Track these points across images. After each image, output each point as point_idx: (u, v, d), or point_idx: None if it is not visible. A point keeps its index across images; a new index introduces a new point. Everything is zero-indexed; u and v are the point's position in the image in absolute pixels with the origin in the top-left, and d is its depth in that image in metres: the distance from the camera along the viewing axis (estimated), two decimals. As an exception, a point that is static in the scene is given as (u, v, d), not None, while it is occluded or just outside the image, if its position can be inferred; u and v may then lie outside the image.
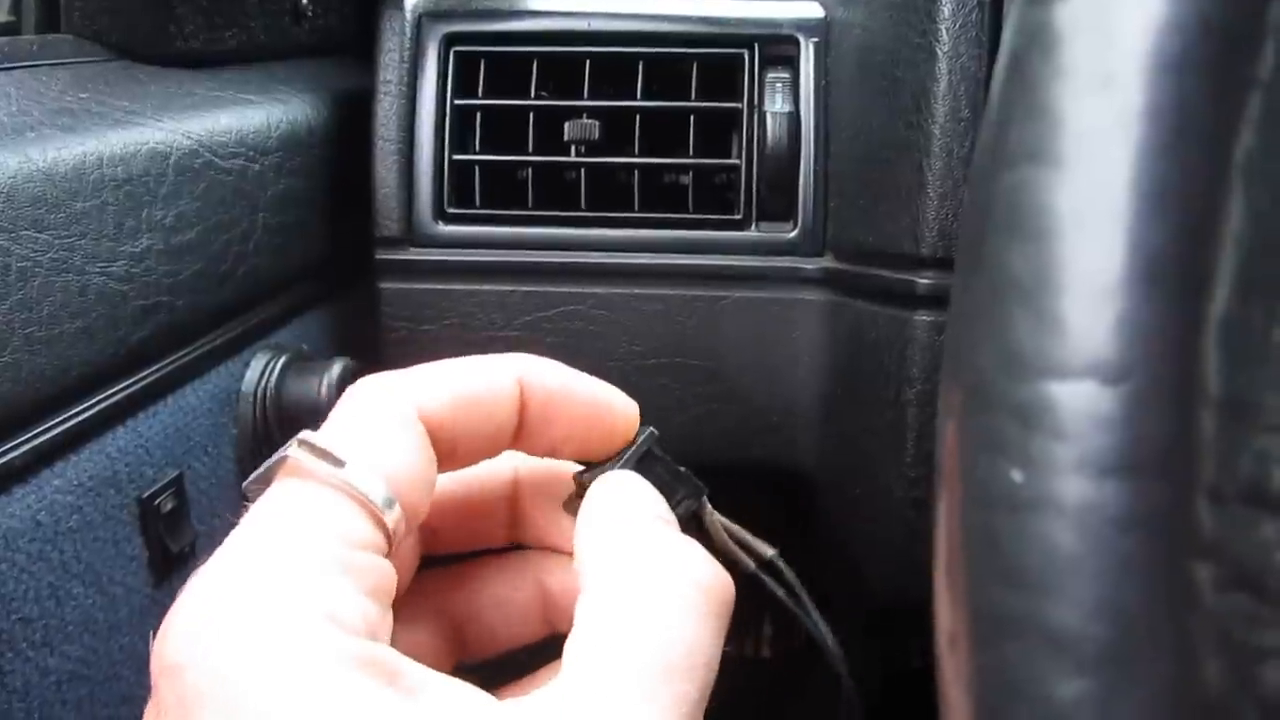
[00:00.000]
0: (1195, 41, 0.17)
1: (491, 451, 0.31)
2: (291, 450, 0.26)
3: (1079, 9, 0.18)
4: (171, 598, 0.35)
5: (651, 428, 0.31)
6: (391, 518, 0.26)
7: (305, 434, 0.26)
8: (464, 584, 0.32)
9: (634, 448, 0.30)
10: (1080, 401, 0.16)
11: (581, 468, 0.31)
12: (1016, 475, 0.16)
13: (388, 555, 0.26)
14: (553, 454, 0.31)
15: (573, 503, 0.30)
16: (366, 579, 0.25)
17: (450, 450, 0.29)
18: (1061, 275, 0.17)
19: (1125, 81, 0.17)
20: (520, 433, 0.30)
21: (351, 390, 0.28)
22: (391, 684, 0.23)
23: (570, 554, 0.29)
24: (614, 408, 0.31)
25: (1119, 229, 0.17)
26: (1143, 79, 0.17)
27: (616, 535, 0.27)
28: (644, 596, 0.25)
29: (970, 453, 0.17)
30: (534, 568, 0.33)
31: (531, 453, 0.31)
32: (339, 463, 0.26)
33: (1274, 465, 0.17)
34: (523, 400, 0.30)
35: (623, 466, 0.30)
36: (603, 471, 0.30)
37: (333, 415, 0.28)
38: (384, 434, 0.27)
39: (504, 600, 0.32)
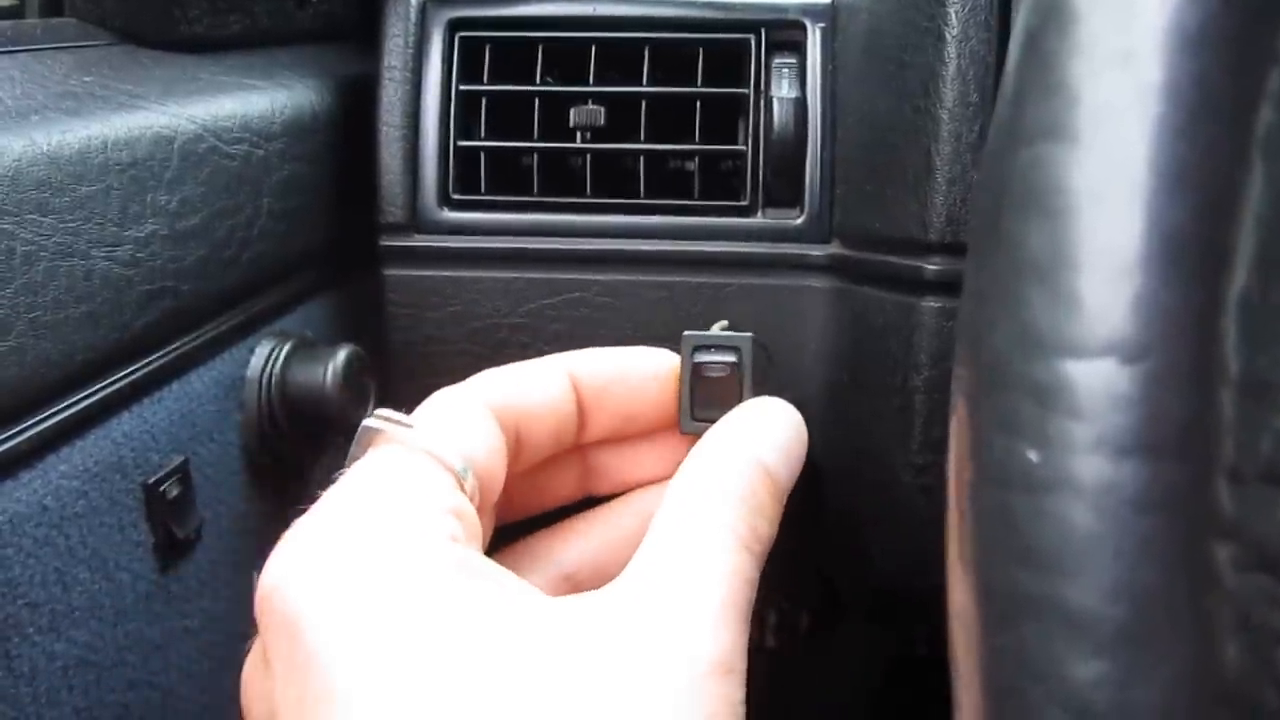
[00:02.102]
0: (1214, 16, 0.17)
1: (557, 446, 0.35)
2: (367, 420, 0.30)
3: (1096, -16, 0.18)
4: (178, 583, 0.37)
5: (748, 337, 0.35)
6: (469, 485, 0.29)
7: (380, 410, 0.30)
8: (572, 537, 0.35)
9: (747, 370, 0.34)
10: (1098, 381, 0.16)
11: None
12: (1033, 455, 0.16)
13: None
14: (614, 435, 0.36)
15: (690, 423, 0.34)
16: (452, 510, 0.28)
17: (516, 447, 0.33)
18: (1079, 253, 0.17)
19: (1144, 57, 0.17)
20: (584, 425, 0.34)
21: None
22: (482, 577, 0.26)
23: (649, 484, 0.35)
24: (652, 375, 0.35)
25: (1137, 207, 0.16)
26: (1161, 54, 0.17)
27: (708, 475, 0.30)
28: (709, 536, 0.28)
29: (986, 432, 0.17)
30: (635, 504, 0.36)
31: (597, 438, 0.36)
32: (407, 425, 0.29)
33: (1293, 445, 0.16)
34: (578, 395, 0.34)
35: (743, 397, 0.34)
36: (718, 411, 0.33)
37: (415, 413, 0.31)
38: (458, 417, 0.31)
39: (614, 540, 0.34)
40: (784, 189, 0.55)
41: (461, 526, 0.28)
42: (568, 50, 0.56)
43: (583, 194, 0.55)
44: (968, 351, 0.18)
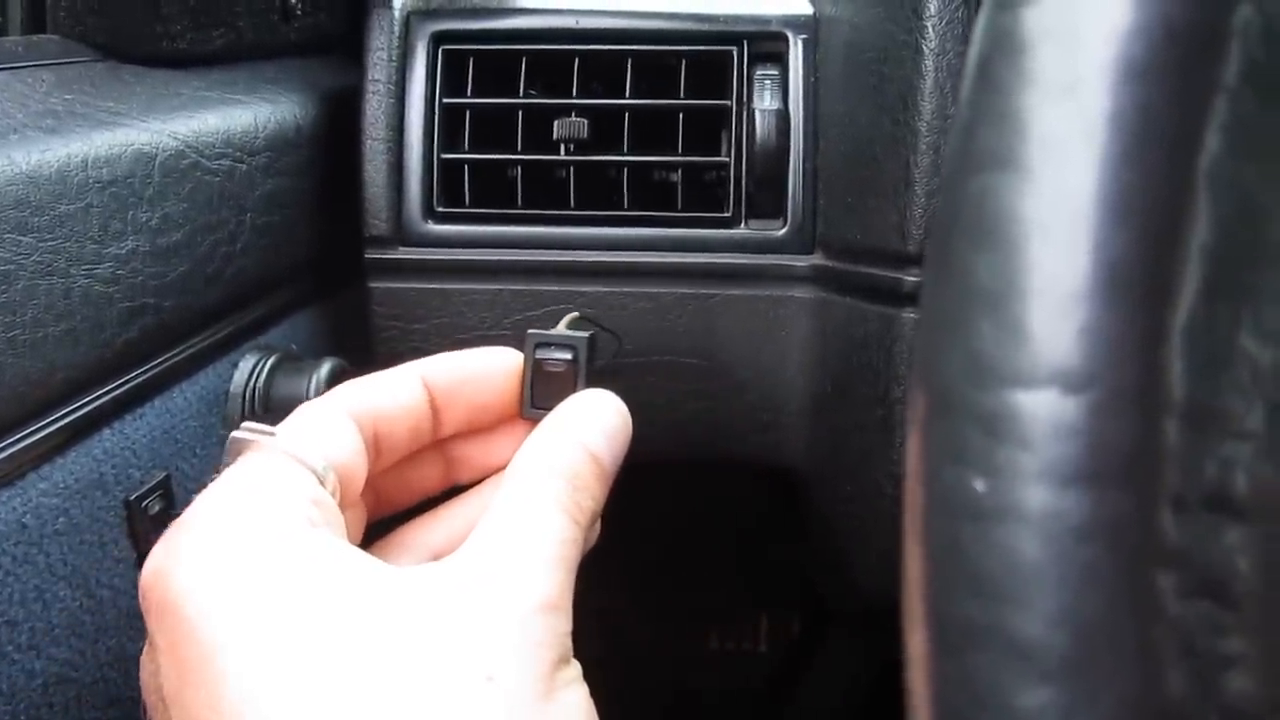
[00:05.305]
0: (1159, 47, 0.17)
1: (416, 443, 0.38)
2: (234, 432, 0.34)
3: (1045, 15, 0.18)
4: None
5: (584, 337, 0.39)
6: (329, 483, 0.33)
7: (246, 423, 0.34)
8: (438, 522, 0.39)
9: (582, 365, 0.39)
10: (1043, 410, 0.16)
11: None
12: (980, 484, 0.16)
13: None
14: (468, 427, 0.39)
15: (530, 410, 0.39)
16: (311, 501, 0.31)
17: (376, 446, 0.36)
18: (1025, 283, 0.17)
19: (1089, 88, 0.17)
20: (438, 422, 0.39)
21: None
22: (335, 552, 0.30)
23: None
24: (498, 372, 0.39)
25: (1083, 237, 0.17)
26: (1106, 85, 0.17)
27: (539, 456, 0.34)
28: (536, 505, 0.32)
29: (936, 461, 0.17)
30: (493, 487, 0.39)
31: (453, 431, 0.39)
32: (270, 434, 0.33)
33: (1238, 471, 0.17)
34: (431, 396, 0.38)
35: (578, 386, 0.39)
36: (554, 399, 0.38)
37: (280, 424, 0.35)
38: (318, 424, 0.34)
39: (475, 520, 0.36)
40: (767, 200, 0.55)
41: (321, 514, 0.31)
42: (551, 63, 0.56)
43: (567, 206, 0.56)
44: (919, 379, 0.18)
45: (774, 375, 0.56)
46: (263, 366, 0.50)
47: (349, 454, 0.35)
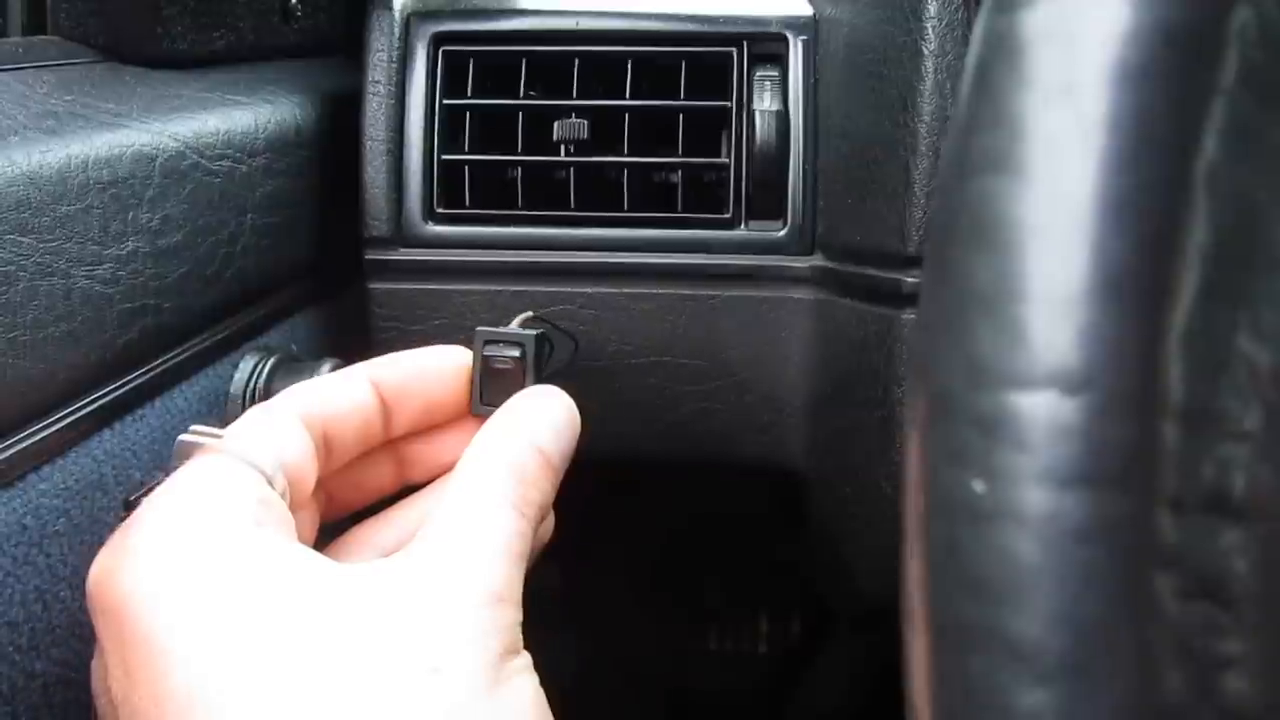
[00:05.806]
0: (1156, 51, 0.17)
1: (366, 444, 0.39)
2: (182, 436, 0.34)
3: (1043, 18, 0.18)
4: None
5: (533, 335, 0.40)
6: (279, 484, 0.33)
7: (194, 426, 0.34)
8: (390, 522, 0.40)
9: (530, 362, 0.39)
10: (1041, 412, 0.16)
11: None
12: (978, 486, 0.17)
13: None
14: (419, 426, 0.40)
15: (479, 407, 0.39)
16: (258, 501, 0.32)
17: (326, 448, 0.37)
18: (1023, 286, 0.17)
19: (1087, 91, 0.17)
20: (389, 422, 0.39)
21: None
22: (282, 551, 0.30)
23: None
24: (448, 370, 0.39)
25: (1080, 240, 0.17)
26: (1104, 89, 0.17)
27: (487, 451, 0.35)
28: (483, 499, 0.33)
29: (934, 463, 0.17)
30: (443, 486, 0.39)
31: (404, 431, 0.40)
32: (218, 436, 0.34)
33: (1236, 473, 0.17)
34: (380, 397, 0.38)
35: (527, 381, 0.39)
36: (503, 395, 0.38)
37: (228, 427, 0.35)
38: (266, 426, 0.35)
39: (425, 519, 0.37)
40: (767, 201, 0.55)
41: (269, 514, 0.32)
42: (551, 64, 0.57)
43: (567, 207, 0.56)
44: (917, 382, 0.18)
45: (774, 376, 0.56)
46: (263, 367, 0.50)
47: (298, 455, 0.35)
